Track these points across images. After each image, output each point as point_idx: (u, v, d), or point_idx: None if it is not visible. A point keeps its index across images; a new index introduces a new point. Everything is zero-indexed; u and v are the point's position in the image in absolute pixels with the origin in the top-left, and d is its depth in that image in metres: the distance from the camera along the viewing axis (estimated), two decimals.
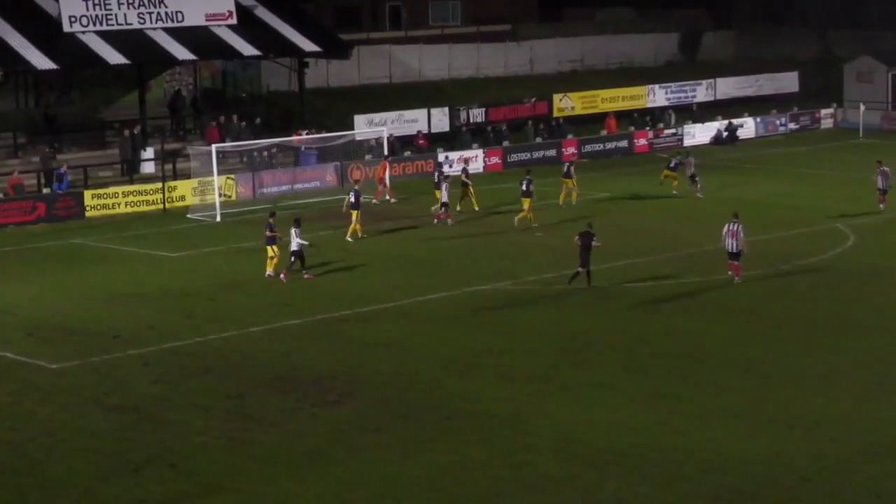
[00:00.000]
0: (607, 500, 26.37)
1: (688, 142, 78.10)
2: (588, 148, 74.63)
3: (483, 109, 78.63)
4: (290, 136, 66.82)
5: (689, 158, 61.67)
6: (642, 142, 76.98)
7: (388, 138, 65.95)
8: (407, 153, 70.22)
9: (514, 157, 71.20)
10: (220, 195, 59.42)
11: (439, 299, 42.83)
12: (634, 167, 70.04)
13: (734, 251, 43.95)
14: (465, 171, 59.91)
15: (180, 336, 38.71)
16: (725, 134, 79.46)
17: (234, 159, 65.40)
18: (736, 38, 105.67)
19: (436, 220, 55.52)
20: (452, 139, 74.36)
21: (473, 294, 43.41)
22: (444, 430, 30.33)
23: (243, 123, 68.19)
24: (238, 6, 68.66)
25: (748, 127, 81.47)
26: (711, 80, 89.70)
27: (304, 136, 66.51)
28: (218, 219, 57.77)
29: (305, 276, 45.70)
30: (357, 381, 34.17)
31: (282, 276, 45.51)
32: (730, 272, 44.36)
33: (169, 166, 62.78)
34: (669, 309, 41.13)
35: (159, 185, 61.13)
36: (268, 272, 46.03)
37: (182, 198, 61.12)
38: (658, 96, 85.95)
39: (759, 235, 50.09)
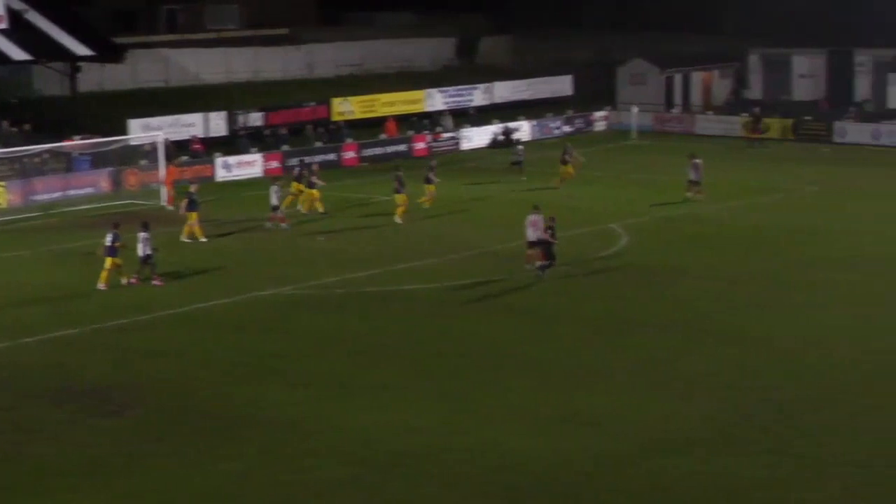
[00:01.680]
0: (392, 503, 26.38)
1: (465, 145, 78.79)
2: (368, 152, 74.68)
3: (262, 114, 78.17)
4: (62, 141, 65.38)
5: (520, 147, 66.67)
6: (421, 145, 77.35)
7: (164, 142, 64.96)
8: (184, 158, 69.29)
9: (293, 162, 70.80)
10: None
11: (220, 305, 42.37)
12: (415, 171, 70.25)
13: (533, 240, 45.38)
14: (310, 172, 59.33)
15: None
16: (502, 137, 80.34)
17: (4, 166, 63.66)
18: (512, 42, 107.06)
19: (268, 223, 54.76)
20: (231, 144, 73.67)
21: (254, 299, 43.06)
22: (227, 438, 29.99)
23: (13, 129, 66.47)
24: (8, 10, 66.96)
25: (524, 130, 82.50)
26: (489, 84, 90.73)
27: (78, 142, 65.15)
28: None
29: (154, 282, 44.92)
30: (137, 390, 33.57)
31: (132, 281, 44.74)
32: (527, 265, 45.45)
33: None
34: (451, 310, 41.39)
35: None
36: (100, 285, 44.38)
37: None
38: (436, 100, 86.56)
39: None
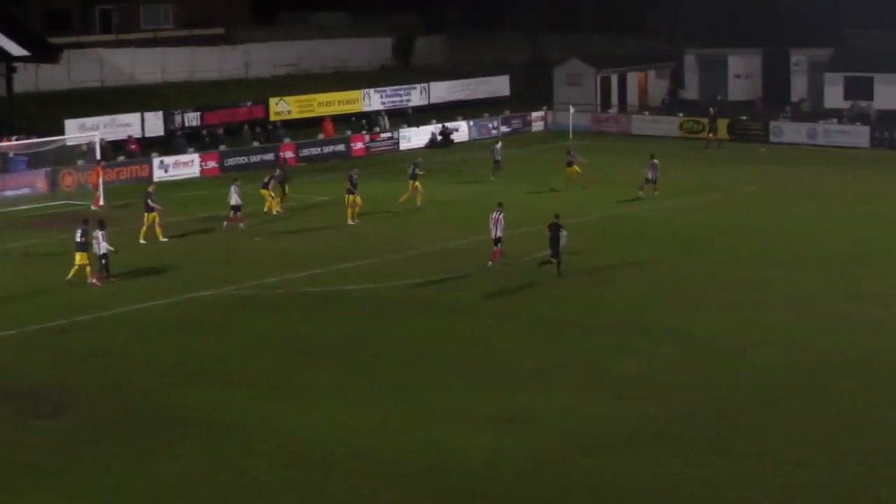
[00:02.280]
0: (329, 503, 26.38)
1: (404, 145, 78.81)
2: (306, 152, 74.53)
3: (198, 113, 77.83)
4: None
5: (497, 146, 67.99)
6: (359, 145, 77.28)
7: (100, 143, 64.55)
8: (120, 158, 68.91)
9: (231, 162, 70.60)
10: None
11: (159, 306, 42.17)
12: (367, 169, 70.31)
13: (496, 237, 46.49)
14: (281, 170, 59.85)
15: None
16: (440, 137, 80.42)
17: None
18: (447, 42, 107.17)
19: (225, 223, 54.44)
20: (167, 144, 73.33)
21: (194, 300, 42.88)
22: (166, 440, 29.89)
23: None
24: None
25: (462, 130, 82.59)
26: (425, 85, 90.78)
27: (13, 143, 64.63)
28: None
29: (93, 280, 44.80)
30: (75, 391, 33.39)
31: (95, 280, 44.58)
32: (490, 262, 46.29)
33: None
34: (390, 310, 41.41)
35: None
36: (68, 277, 44.65)
37: None
38: (374, 100, 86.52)
39: (476, 237, 50.90)
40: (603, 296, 43.17)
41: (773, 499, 26.51)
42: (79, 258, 44.70)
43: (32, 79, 77.74)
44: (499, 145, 68.78)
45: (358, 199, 55.17)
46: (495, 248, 46.80)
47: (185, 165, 69.22)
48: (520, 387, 33.52)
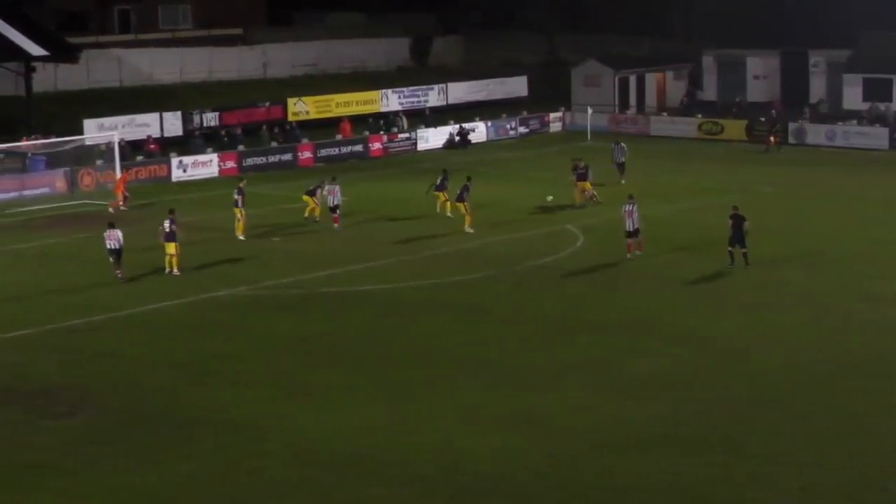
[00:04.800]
0: (345, 503, 26.39)
1: (421, 146, 78.76)
2: (324, 152, 74.56)
3: (217, 114, 77.99)
4: (16, 141, 65.02)
5: (621, 145, 65.81)
6: (377, 146, 77.31)
7: (118, 143, 64.66)
8: (139, 158, 69.09)
9: (249, 162, 70.69)
10: None
11: (173, 306, 42.24)
12: (371, 171, 70.40)
13: (631, 229, 47.54)
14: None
15: None
16: (458, 138, 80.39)
17: None
18: (464, 43, 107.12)
19: (336, 226, 53.62)
20: (185, 143, 73.48)
21: (208, 300, 42.93)
22: (179, 439, 29.93)
23: None
24: None
25: (479, 131, 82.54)
26: (443, 85, 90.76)
27: (32, 142, 64.82)
28: None
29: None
30: (88, 391, 33.46)
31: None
32: (628, 254, 47.29)
33: None
34: (405, 311, 41.41)
35: None
36: (174, 270, 45.78)
37: None
38: (391, 101, 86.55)
39: (493, 237, 50.96)
40: (617, 296, 43.10)
41: (786, 499, 26.45)
42: (171, 248, 45.64)
43: (51, 78, 77.96)
44: (623, 145, 66.59)
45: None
46: (629, 241, 47.65)
47: (204, 165, 69.32)
48: (533, 387, 33.48)
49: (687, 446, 29.21)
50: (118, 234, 45.40)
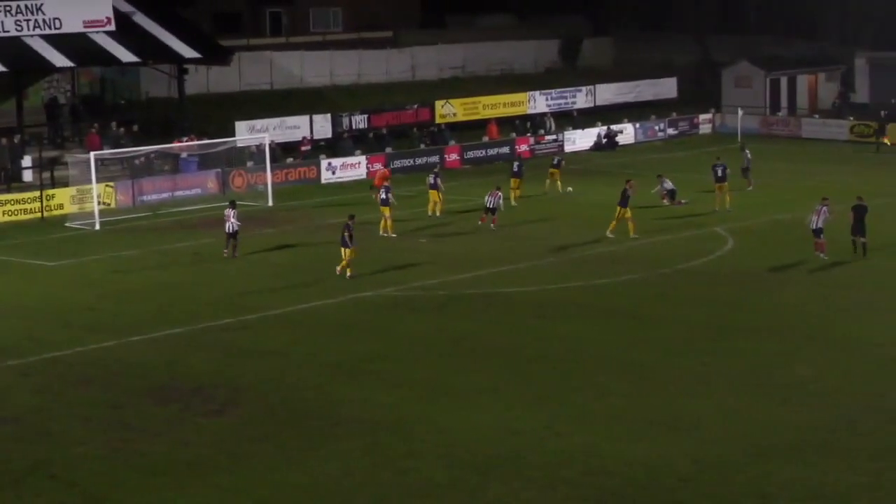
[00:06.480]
0: None
1: (568, 147, 78.66)
2: (470, 154, 74.86)
3: (365, 116, 78.64)
4: (170, 142, 66.23)
5: (745, 152, 64.75)
6: (524, 148, 77.36)
7: (269, 144, 65.51)
8: (289, 160, 69.95)
9: (397, 164, 71.18)
10: (99, 203, 58.67)
11: (323, 306, 42.68)
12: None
13: (815, 227, 47.30)
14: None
15: (60, 346, 38.16)
16: (605, 140, 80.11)
17: (115, 167, 64.74)
18: (614, 44, 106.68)
19: (492, 225, 54.42)
20: (334, 145, 74.20)
21: (357, 301, 43.30)
22: (329, 438, 30.23)
23: (122, 130, 67.46)
24: (116, 12, 67.96)
25: (628, 133, 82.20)
26: (591, 87, 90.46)
27: (185, 143, 65.96)
28: (97, 227, 57.06)
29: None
30: (240, 389, 33.94)
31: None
32: (816, 252, 47.29)
33: (47, 174, 61.97)
34: (552, 313, 41.36)
35: (37, 193, 60.26)
36: (349, 273, 46.00)
37: (60, 206, 60.25)
38: (539, 103, 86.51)
39: (642, 239, 50.70)
40: (769, 300, 42.59)
41: None
42: (347, 253, 45.69)
43: (203, 81, 79.16)
44: (747, 152, 65.23)
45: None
46: (817, 240, 47.34)
47: (353, 167, 70.00)
48: (683, 392, 33.23)
49: (838, 453, 28.67)
50: (232, 214, 48.07)
